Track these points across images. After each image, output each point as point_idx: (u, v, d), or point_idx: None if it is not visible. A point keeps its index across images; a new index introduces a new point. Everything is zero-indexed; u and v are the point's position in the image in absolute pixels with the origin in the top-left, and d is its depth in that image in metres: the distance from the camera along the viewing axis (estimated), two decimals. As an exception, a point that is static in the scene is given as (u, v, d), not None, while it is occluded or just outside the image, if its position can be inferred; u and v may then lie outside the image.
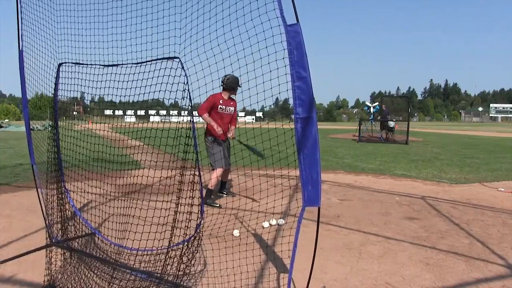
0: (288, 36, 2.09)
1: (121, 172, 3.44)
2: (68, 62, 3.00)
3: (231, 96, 5.32)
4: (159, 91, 2.56)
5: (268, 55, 2.26)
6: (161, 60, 2.52)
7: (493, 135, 26.24)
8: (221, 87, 5.22)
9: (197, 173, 2.52)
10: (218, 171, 5.15)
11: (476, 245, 3.76)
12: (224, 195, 5.75)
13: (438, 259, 3.38)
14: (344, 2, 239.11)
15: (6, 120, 52.61)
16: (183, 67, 2.42)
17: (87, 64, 2.93)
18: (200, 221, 2.59)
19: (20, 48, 3.18)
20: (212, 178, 5.13)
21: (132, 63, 2.69)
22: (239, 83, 5.11)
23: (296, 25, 2.06)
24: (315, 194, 2.21)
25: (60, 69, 3.02)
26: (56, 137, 3.06)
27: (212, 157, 5.18)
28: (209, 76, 2.52)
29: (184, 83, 2.44)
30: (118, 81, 2.76)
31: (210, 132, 5.24)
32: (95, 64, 2.90)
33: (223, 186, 5.79)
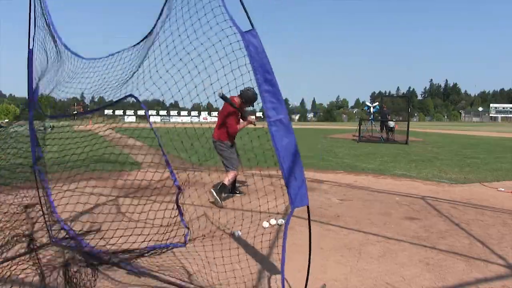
0: (246, 44, 2.10)
1: (110, 173, 3.43)
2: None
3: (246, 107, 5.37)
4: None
5: (230, 62, 2.31)
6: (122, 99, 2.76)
7: (493, 135, 26.23)
8: (238, 94, 5.21)
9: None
10: (233, 173, 5.22)
11: (476, 245, 3.76)
12: (238, 194, 5.80)
13: (438, 259, 3.38)
14: (344, 2, 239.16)
15: (6, 120, 52.50)
16: (138, 100, 2.65)
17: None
18: (187, 233, 2.58)
19: (30, 47, 3.18)
20: (227, 179, 5.19)
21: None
22: (253, 103, 5.27)
23: (251, 31, 2.08)
24: (301, 195, 2.20)
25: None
26: (32, 134, 3.10)
27: (229, 161, 5.25)
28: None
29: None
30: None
31: (227, 137, 5.26)
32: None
33: (234, 185, 5.81)
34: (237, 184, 5.96)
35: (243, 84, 2.27)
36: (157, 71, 2.66)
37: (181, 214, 2.61)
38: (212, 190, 5.13)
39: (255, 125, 5.27)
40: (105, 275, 2.85)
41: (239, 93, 5.19)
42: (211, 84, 2.42)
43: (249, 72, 2.18)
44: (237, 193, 5.81)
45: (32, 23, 3.16)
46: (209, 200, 5.20)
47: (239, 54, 2.19)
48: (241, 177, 6.62)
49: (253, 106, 5.41)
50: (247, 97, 5.17)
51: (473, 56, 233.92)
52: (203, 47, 2.39)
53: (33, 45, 3.20)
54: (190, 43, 2.41)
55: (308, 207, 2.26)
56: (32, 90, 3.23)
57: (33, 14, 3.17)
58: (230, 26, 2.11)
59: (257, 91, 2.25)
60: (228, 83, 2.36)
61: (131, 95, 2.69)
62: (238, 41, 2.14)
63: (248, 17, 2.04)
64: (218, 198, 5.08)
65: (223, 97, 4.58)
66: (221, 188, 5.15)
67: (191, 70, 2.50)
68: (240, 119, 5.33)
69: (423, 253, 3.53)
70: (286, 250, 2.27)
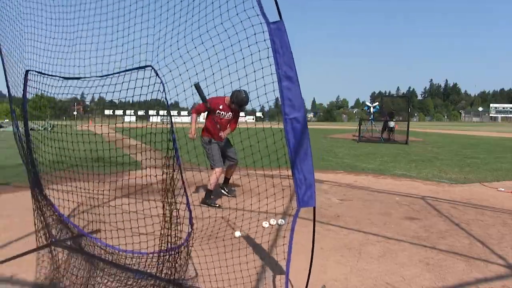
0: (271, 34, 2.00)
1: (112, 174, 3.43)
2: (33, 71, 2.91)
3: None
4: (138, 101, 2.43)
5: (251, 54, 2.16)
6: (135, 70, 2.37)
7: (493, 135, 26.24)
8: (229, 94, 5.18)
9: (179, 177, 2.42)
10: (217, 172, 5.16)
11: (476, 245, 3.76)
12: (226, 193, 5.75)
13: (438, 259, 3.38)
14: (344, 2, 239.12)
15: (6, 120, 52.54)
16: (157, 74, 2.30)
17: (48, 75, 2.80)
18: (189, 232, 2.55)
19: None
20: (211, 178, 5.13)
21: (97, 76, 2.53)
22: (245, 107, 5.20)
23: (279, 23, 1.98)
24: (309, 195, 2.18)
25: (28, 77, 2.94)
26: (27, 139, 3.01)
27: (210, 158, 5.21)
28: (187, 82, 2.44)
29: (159, 90, 2.30)
30: (99, 87, 2.58)
31: (205, 133, 5.24)
32: (56, 76, 2.75)
33: (226, 182, 5.79)
34: (232, 188, 5.94)
35: (262, 77, 2.16)
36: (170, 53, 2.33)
37: (190, 212, 2.57)
38: (202, 204, 5.10)
39: (221, 138, 5.19)
40: (105, 275, 2.85)
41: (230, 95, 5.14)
42: (229, 74, 2.28)
43: (270, 65, 2.08)
44: (226, 192, 5.75)
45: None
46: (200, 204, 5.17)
47: (262, 46, 2.05)
48: (241, 177, 6.62)
49: (242, 110, 5.33)
50: (236, 100, 5.09)
51: (473, 56, 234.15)
52: (223, 32, 2.16)
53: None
54: (211, 29, 2.17)
55: (314, 208, 2.26)
56: (9, 90, 3.15)
57: None
58: (257, 15, 1.96)
59: (267, 90, 2.16)
60: (246, 75, 2.21)
61: (149, 66, 2.27)
62: (263, 32, 2.01)
63: (277, 6, 1.90)
64: (211, 204, 5.12)
65: (197, 86, 4.04)
66: (206, 195, 5.16)
67: (209, 58, 2.28)
68: (213, 119, 5.18)
69: (423, 253, 3.53)
70: (291, 250, 2.27)
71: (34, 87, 2.97)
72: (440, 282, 2.93)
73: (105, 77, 2.50)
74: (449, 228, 4.29)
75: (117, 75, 2.44)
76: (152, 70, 2.29)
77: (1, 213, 4.74)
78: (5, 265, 3.02)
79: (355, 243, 3.78)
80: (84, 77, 2.59)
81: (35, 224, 3.18)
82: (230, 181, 5.87)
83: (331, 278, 2.97)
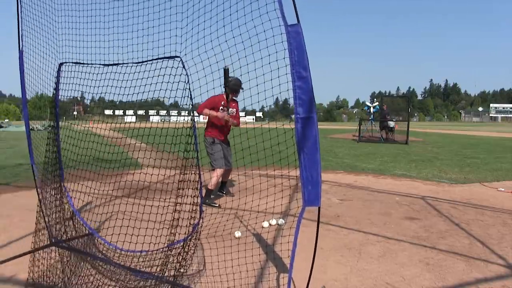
0: (288, 36, 2.09)
1: (121, 173, 3.43)
2: (69, 62, 3.01)
3: (233, 97, 5.34)
4: (160, 90, 2.59)
5: (269, 55, 2.28)
6: (162, 60, 2.54)
7: (493, 135, 26.23)
8: (223, 89, 5.21)
9: (196, 172, 2.53)
10: (218, 171, 5.17)
11: (476, 245, 3.76)
12: (224, 194, 5.76)
13: (438, 259, 3.38)
14: (343, 2, 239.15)
15: (6, 120, 52.61)
16: (184, 66, 2.45)
17: (87, 64, 2.93)
18: (198, 221, 2.59)
19: (20, 48, 3.16)
20: (212, 178, 5.15)
21: (133, 62, 2.70)
22: (242, 86, 5.16)
23: (297, 26, 2.07)
24: (315, 194, 2.20)
25: (61, 69, 3.02)
26: (57, 137, 3.06)
27: (212, 158, 5.21)
28: (210, 75, 2.56)
29: (185, 82, 2.46)
30: (119, 80, 2.78)
31: (209, 132, 5.26)
32: (95, 64, 2.90)
33: (223, 185, 5.80)
34: (227, 185, 5.95)
35: (278, 77, 2.27)
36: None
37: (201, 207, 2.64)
38: (205, 204, 5.10)
39: (228, 121, 5.21)
40: (107, 276, 2.85)
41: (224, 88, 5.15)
42: (248, 73, 2.39)
43: (286, 66, 2.18)
44: (224, 193, 5.80)
45: (21, 22, 3.10)
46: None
47: (280, 47, 2.19)
48: (241, 177, 6.62)
49: (242, 89, 5.21)
50: (234, 86, 5.12)
51: (473, 56, 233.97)
52: (245, 33, 2.32)
53: (22, 45, 3.15)
54: (232, 30, 2.34)
55: (319, 208, 2.28)
56: (24, 90, 3.19)
57: (21, 14, 3.10)
58: (278, 17, 2.08)
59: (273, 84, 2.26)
60: (263, 75, 2.35)
61: (177, 57, 2.48)
62: (281, 34, 2.13)
63: (295, 11, 2.02)
64: (211, 204, 5.15)
65: (226, 71, 4.07)
66: (206, 195, 5.18)
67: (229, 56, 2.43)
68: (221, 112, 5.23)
69: (423, 253, 3.53)
70: (296, 248, 2.29)
71: (67, 83, 3.05)
72: (440, 282, 2.93)
73: (140, 64, 2.67)
74: (449, 228, 4.29)
75: (150, 62, 2.62)
76: (180, 61, 2.48)
77: (1, 213, 4.74)
78: (5, 265, 3.01)
79: (355, 243, 3.78)
80: (122, 63, 2.76)
81: (36, 224, 3.18)
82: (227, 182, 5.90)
83: (331, 278, 2.97)
